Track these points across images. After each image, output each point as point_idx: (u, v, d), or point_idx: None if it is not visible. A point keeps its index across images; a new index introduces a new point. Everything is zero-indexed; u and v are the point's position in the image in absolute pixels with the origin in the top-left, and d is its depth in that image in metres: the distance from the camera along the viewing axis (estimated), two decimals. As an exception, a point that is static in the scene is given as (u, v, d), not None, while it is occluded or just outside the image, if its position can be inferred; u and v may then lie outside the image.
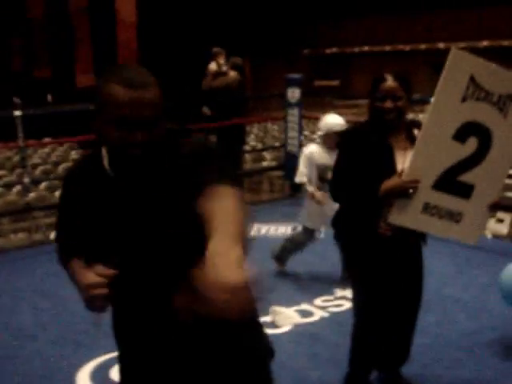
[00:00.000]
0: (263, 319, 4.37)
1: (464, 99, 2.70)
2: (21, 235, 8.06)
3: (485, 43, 24.59)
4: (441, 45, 25.39)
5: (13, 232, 8.38)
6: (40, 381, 3.75)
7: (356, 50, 28.54)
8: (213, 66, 8.31)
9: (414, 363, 3.68)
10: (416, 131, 2.91)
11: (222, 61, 8.31)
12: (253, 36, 24.12)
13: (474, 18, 23.76)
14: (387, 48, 26.61)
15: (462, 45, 24.95)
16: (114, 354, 3.84)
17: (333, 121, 4.92)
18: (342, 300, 4.81)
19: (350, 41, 28.02)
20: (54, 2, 20.90)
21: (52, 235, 7.40)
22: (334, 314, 4.58)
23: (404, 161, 2.84)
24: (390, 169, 2.85)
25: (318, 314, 4.57)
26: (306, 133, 14.80)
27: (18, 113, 6.61)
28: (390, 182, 2.77)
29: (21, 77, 21.63)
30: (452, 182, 2.79)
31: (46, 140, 11.45)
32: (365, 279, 3.07)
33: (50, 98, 20.35)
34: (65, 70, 21.46)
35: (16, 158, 13.95)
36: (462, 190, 2.82)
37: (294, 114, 8.02)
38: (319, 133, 5.20)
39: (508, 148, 2.85)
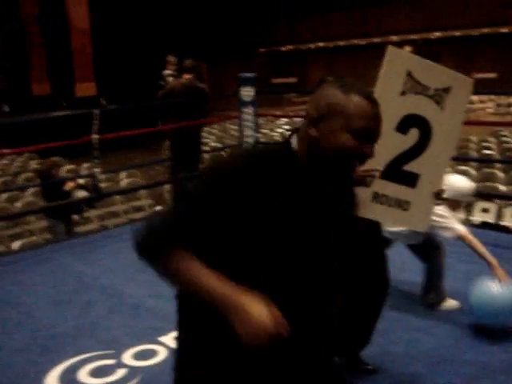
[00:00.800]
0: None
1: (403, 93, 2.85)
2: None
3: (437, 34, 25.04)
4: (393, 37, 25.80)
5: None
6: (7, 388, 3.78)
7: (312, 46, 28.81)
8: (166, 72, 8.36)
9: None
10: None
11: (172, 67, 8.37)
12: (209, 38, 24.16)
13: (425, 11, 24.14)
14: (341, 43, 26.92)
15: (415, 37, 25.39)
16: (82, 357, 3.96)
17: (464, 186, 4.30)
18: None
19: (305, 38, 28.27)
20: (5, 7, 20.65)
21: (14, 245, 7.39)
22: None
23: None
24: None
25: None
26: (264, 131, 15.00)
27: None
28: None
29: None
30: (398, 171, 2.93)
31: (5, 150, 11.29)
32: None
33: (6, 108, 20.15)
34: (20, 79, 21.24)
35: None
36: (407, 178, 2.96)
37: (248, 113, 8.13)
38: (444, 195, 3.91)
39: (447, 138, 2.99)
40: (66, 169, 12.17)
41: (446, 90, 2.92)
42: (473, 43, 24.62)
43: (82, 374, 3.83)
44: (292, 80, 30.62)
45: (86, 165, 11.98)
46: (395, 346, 3.94)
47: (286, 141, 1.73)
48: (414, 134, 2.92)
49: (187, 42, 21.14)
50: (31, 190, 10.54)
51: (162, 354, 4.02)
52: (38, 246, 7.31)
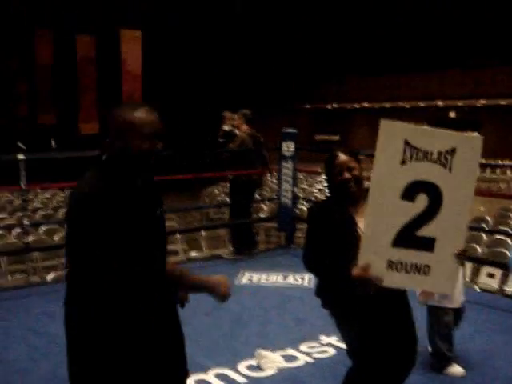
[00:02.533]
0: (249, 362, 4.57)
1: (403, 162, 2.88)
2: (18, 276, 8.19)
3: (482, 102, 25.04)
4: (439, 102, 25.90)
5: (11, 273, 8.52)
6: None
7: (356, 105, 29.05)
8: (226, 128, 8.51)
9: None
10: None
11: (230, 121, 8.53)
12: (255, 91, 24.58)
13: (470, 78, 24.25)
14: (387, 105, 27.10)
15: (460, 103, 25.46)
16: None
17: None
18: (327, 347, 4.94)
19: (351, 97, 28.54)
20: (63, 50, 21.40)
21: (49, 277, 7.55)
22: (318, 360, 4.71)
23: None
24: (354, 237, 3.05)
25: (303, 359, 4.71)
26: (303, 186, 15.13)
27: (21, 156, 6.83)
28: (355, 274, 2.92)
29: (25, 122, 22.01)
30: (411, 237, 2.94)
31: (46, 184, 11.60)
32: (361, 341, 3.19)
33: (53, 143, 20.67)
34: (69, 117, 21.82)
35: (17, 202, 14.20)
36: (423, 243, 2.95)
37: (288, 167, 8.27)
38: None
39: (461, 198, 2.99)
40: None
41: (451, 152, 2.92)
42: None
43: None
44: (335, 138, 30.88)
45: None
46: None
47: (106, 166, 2.39)
48: (422, 200, 2.92)
49: (234, 93, 21.55)
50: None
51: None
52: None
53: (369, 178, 3.00)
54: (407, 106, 26.81)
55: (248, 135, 8.05)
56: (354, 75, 27.53)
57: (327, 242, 3.11)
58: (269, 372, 4.50)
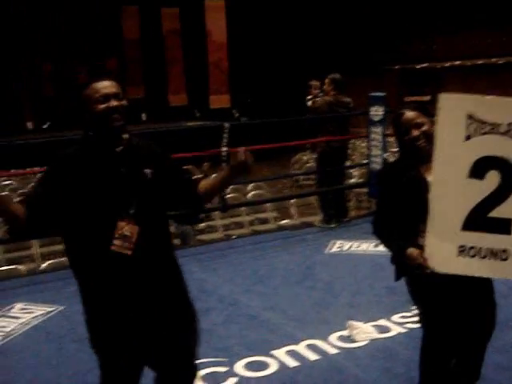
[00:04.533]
0: (340, 333, 4.51)
1: (468, 137, 2.67)
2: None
3: None
4: (536, 57, 24.62)
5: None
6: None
7: (447, 64, 28.08)
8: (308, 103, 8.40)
9: (488, 381, 3.68)
10: None
11: (315, 91, 8.41)
12: (343, 55, 24.16)
13: None
14: (479, 62, 26.03)
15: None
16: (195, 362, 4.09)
17: None
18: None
19: (441, 56, 27.59)
20: (149, 24, 21.67)
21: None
22: (411, 331, 4.57)
23: None
24: (425, 201, 2.84)
25: (396, 330, 4.61)
26: (394, 150, 14.78)
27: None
28: (411, 258, 2.83)
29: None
30: (483, 219, 2.70)
31: None
32: (430, 312, 3.12)
33: (144, 116, 21.09)
34: (157, 90, 22.14)
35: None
36: (498, 226, 2.71)
37: (377, 132, 8.06)
38: None
39: None
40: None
41: None
42: None
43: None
44: (425, 98, 30.00)
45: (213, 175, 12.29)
46: None
47: (84, 134, 2.67)
48: (493, 178, 2.68)
49: (320, 59, 21.25)
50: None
51: (273, 367, 4.07)
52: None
53: None
54: (501, 61, 25.66)
55: (328, 102, 7.87)
56: (443, 33, 26.56)
57: (398, 203, 2.96)
58: (361, 343, 4.44)
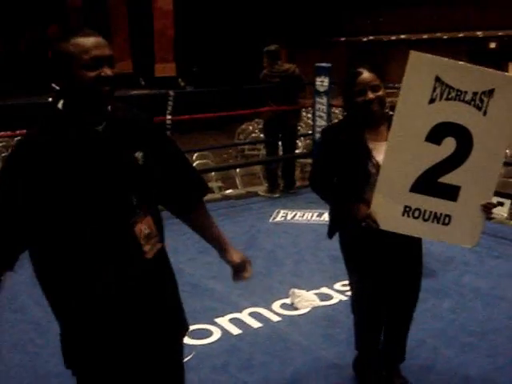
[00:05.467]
0: (283, 301, 4.56)
1: (432, 100, 2.64)
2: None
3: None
4: (479, 33, 25.09)
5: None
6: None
7: (393, 38, 28.32)
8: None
9: (425, 346, 3.81)
10: None
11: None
12: (289, 25, 24.10)
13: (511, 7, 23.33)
14: (424, 36, 26.34)
15: (501, 33, 24.61)
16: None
17: None
18: (361, 285, 4.91)
19: (387, 29, 27.81)
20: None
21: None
22: (352, 298, 4.68)
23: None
24: (366, 165, 2.86)
25: (337, 298, 4.67)
26: (336, 121, 14.89)
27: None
28: (359, 213, 2.82)
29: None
30: (432, 184, 2.73)
31: None
32: (359, 270, 3.11)
33: (142, 81, 20.75)
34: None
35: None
36: (445, 191, 2.75)
37: (322, 103, 8.10)
38: None
39: (494, 145, 2.74)
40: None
41: (488, 93, 2.64)
42: None
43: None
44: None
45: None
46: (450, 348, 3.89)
47: (50, 106, 2.01)
48: (449, 144, 2.69)
49: (268, 28, 21.15)
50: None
51: (216, 335, 4.09)
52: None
53: (392, 108, 2.80)
54: (446, 36, 26.02)
55: (263, 74, 7.90)
56: (389, 6, 26.73)
57: (338, 164, 2.92)
58: (303, 310, 4.49)
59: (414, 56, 2.62)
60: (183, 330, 2.41)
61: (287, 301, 4.60)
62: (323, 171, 3.02)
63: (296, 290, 4.68)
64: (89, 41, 1.90)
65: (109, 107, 2.02)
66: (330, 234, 3.16)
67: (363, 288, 3.13)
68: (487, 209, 2.81)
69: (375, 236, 2.89)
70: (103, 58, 1.91)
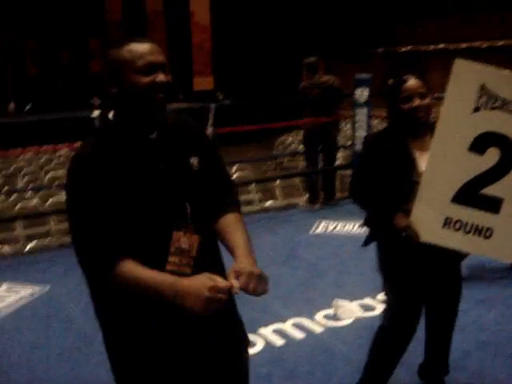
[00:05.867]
0: (326, 312, 4.56)
1: (476, 109, 2.56)
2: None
3: None
4: (519, 41, 24.74)
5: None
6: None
7: (431, 47, 28.14)
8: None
9: (471, 358, 3.77)
10: None
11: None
12: (326, 37, 24.13)
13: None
14: (463, 45, 26.11)
15: (542, 41, 24.26)
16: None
17: None
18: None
19: (425, 39, 27.64)
20: (132, 4, 21.52)
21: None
22: (396, 309, 4.65)
23: None
24: (410, 174, 2.81)
25: (380, 308, 4.64)
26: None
27: (96, 113, 6.92)
28: (399, 222, 2.74)
29: (99, 78, 22.36)
30: (475, 195, 2.63)
31: None
32: (397, 283, 3.04)
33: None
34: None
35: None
36: (488, 204, 2.64)
37: (362, 114, 8.10)
38: None
39: None
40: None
41: None
42: None
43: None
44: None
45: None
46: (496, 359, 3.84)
47: (101, 118, 2.05)
48: (493, 154, 2.60)
49: (305, 41, 21.20)
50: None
51: (259, 345, 4.12)
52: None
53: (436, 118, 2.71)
54: (485, 45, 25.76)
55: (301, 87, 7.94)
56: (427, 15, 26.59)
57: (381, 173, 2.84)
58: (346, 321, 4.48)
59: (460, 64, 2.56)
60: (246, 343, 2.28)
61: (330, 311, 4.61)
62: (365, 180, 2.97)
63: (339, 301, 4.68)
64: (143, 47, 1.92)
65: (161, 114, 2.00)
66: (366, 243, 3.09)
67: (401, 313, 3.05)
68: None
69: (415, 251, 2.82)
70: (158, 64, 1.91)
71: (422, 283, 2.96)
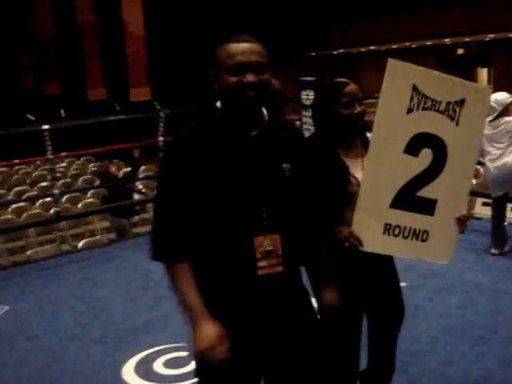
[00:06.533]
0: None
1: (410, 111, 2.51)
2: (48, 246, 8.27)
3: (490, 36, 24.67)
4: (446, 40, 25.55)
5: (40, 244, 8.62)
6: (87, 378, 3.93)
7: (363, 49, 28.71)
8: None
9: (440, 342, 3.91)
10: (369, 135, 2.65)
11: None
12: (262, 41, 24.33)
13: (478, 11, 23.84)
14: (394, 46, 26.75)
15: (468, 39, 25.08)
16: (156, 349, 4.12)
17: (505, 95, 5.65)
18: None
19: (356, 41, 28.19)
20: (63, 17, 21.24)
21: (79, 244, 7.64)
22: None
23: (362, 168, 2.62)
24: (345, 183, 2.62)
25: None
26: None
27: (46, 127, 6.81)
28: (341, 233, 2.54)
29: (32, 94, 21.95)
30: (411, 198, 2.57)
31: (63, 154, 11.38)
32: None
33: (62, 113, 20.63)
34: (75, 85, 21.73)
35: (36, 173, 14.28)
36: (423, 206, 2.60)
37: (308, 116, 8.21)
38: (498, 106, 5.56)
39: (466, 156, 2.66)
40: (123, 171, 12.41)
41: (460, 103, 2.56)
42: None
43: (157, 365, 4.00)
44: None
45: (143, 167, 12.13)
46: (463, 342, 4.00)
47: (209, 106, 2.10)
48: (426, 156, 2.55)
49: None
50: (91, 192, 10.85)
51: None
52: (102, 245, 7.52)
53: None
54: (414, 45, 26.44)
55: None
56: (357, 18, 27.14)
57: (313, 184, 2.49)
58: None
59: (392, 64, 2.48)
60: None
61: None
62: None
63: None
64: (237, 47, 1.97)
65: (264, 113, 2.07)
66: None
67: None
68: (461, 222, 2.66)
69: (353, 260, 2.62)
70: (248, 64, 1.95)
71: (362, 290, 2.77)
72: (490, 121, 5.52)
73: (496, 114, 5.52)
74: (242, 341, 2.01)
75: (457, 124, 2.57)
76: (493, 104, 5.39)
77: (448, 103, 2.54)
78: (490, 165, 5.61)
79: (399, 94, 2.49)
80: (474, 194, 7.37)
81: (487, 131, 5.47)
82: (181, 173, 1.97)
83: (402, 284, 2.95)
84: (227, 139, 2.00)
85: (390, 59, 2.47)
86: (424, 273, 4.97)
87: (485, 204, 7.91)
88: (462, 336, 4.02)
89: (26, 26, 21.19)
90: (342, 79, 2.64)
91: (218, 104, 2.07)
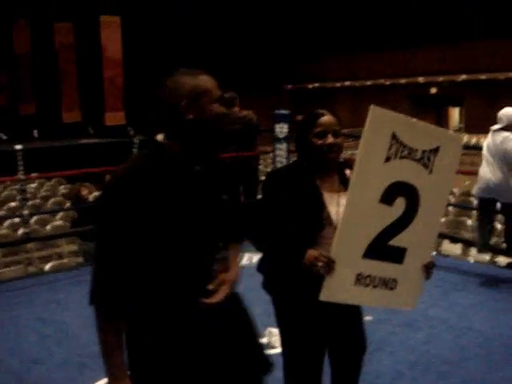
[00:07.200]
0: (260, 340, 4.61)
1: (388, 159, 2.47)
2: (14, 268, 8.17)
3: (463, 77, 25.17)
4: (420, 79, 26.01)
5: (6, 265, 8.50)
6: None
7: (338, 84, 29.09)
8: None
9: (404, 377, 3.94)
10: (348, 172, 2.69)
11: None
12: (238, 72, 24.51)
13: (452, 52, 24.37)
14: (368, 83, 27.16)
15: (441, 78, 25.58)
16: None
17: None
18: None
19: (331, 76, 28.55)
20: (40, 37, 21.19)
21: (46, 267, 7.55)
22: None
23: (338, 203, 2.63)
24: (318, 214, 2.64)
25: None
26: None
27: (18, 147, 6.78)
28: (309, 256, 2.54)
29: (6, 113, 21.79)
30: (383, 247, 2.55)
31: (34, 174, 11.30)
32: (298, 334, 2.86)
33: (35, 133, 20.47)
34: (50, 106, 21.61)
35: (4, 193, 14.11)
36: (394, 254, 2.59)
37: (282, 149, 8.30)
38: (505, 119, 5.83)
39: (436, 205, 2.67)
40: (94, 195, 12.35)
41: (435, 151, 2.56)
42: (498, 87, 24.71)
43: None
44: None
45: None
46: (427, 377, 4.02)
47: (151, 142, 2.12)
48: (400, 204, 2.54)
49: (217, 76, 21.52)
50: (60, 214, 10.75)
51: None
52: (70, 268, 7.45)
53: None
54: (388, 83, 26.89)
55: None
56: (333, 54, 27.53)
57: (285, 212, 2.62)
58: (279, 349, 4.55)
59: (375, 111, 2.43)
60: (267, 369, 2.43)
61: (264, 340, 4.67)
62: (267, 219, 2.72)
63: (272, 329, 4.75)
64: (210, 79, 2.12)
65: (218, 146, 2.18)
66: (264, 286, 2.98)
67: (303, 368, 2.89)
68: (428, 269, 2.68)
69: (314, 300, 2.52)
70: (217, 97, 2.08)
71: (324, 326, 2.78)
72: (494, 130, 5.83)
73: (500, 126, 5.80)
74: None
75: (430, 172, 2.57)
76: (501, 115, 5.79)
77: (423, 151, 2.53)
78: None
79: (379, 143, 2.46)
80: (442, 235, 7.46)
81: (488, 138, 5.88)
82: (128, 217, 1.94)
83: (367, 318, 2.96)
84: (175, 174, 2.04)
85: (372, 107, 2.42)
86: (389, 308, 5.00)
87: (453, 241, 8.03)
88: (426, 371, 4.06)
89: (4, 45, 21.08)
90: (320, 110, 2.70)
91: (160, 137, 2.10)
